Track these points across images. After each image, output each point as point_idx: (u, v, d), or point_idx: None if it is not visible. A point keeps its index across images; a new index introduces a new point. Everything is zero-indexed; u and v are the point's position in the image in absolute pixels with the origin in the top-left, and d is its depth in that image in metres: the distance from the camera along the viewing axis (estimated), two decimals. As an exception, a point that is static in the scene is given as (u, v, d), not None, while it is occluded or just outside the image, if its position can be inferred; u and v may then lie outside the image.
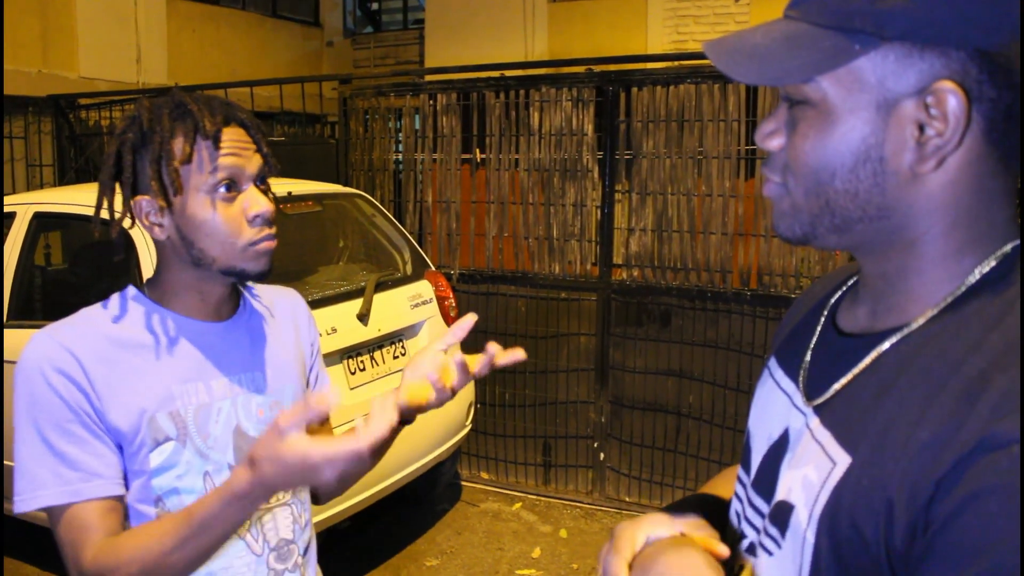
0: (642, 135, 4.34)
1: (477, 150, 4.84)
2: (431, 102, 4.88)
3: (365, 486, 3.42)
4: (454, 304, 4.16)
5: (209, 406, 1.25)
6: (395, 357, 3.75)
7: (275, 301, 1.45)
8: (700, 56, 4.66)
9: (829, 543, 0.69)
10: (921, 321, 0.72)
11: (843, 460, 0.70)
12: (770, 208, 0.80)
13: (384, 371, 3.65)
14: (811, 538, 0.71)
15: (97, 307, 1.27)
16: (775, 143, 0.77)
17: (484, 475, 4.82)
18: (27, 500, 1.14)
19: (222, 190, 1.21)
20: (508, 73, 4.76)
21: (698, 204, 4.25)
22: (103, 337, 1.21)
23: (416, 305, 3.90)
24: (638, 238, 4.41)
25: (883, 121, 0.69)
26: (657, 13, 9.27)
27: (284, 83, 5.53)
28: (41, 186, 6.81)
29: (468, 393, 4.19)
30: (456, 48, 9.72)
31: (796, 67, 0.71)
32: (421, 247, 4.48)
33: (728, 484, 1.00)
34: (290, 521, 1.33)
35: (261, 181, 1.27)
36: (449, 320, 4.09)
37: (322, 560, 1.45)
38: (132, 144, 1.22)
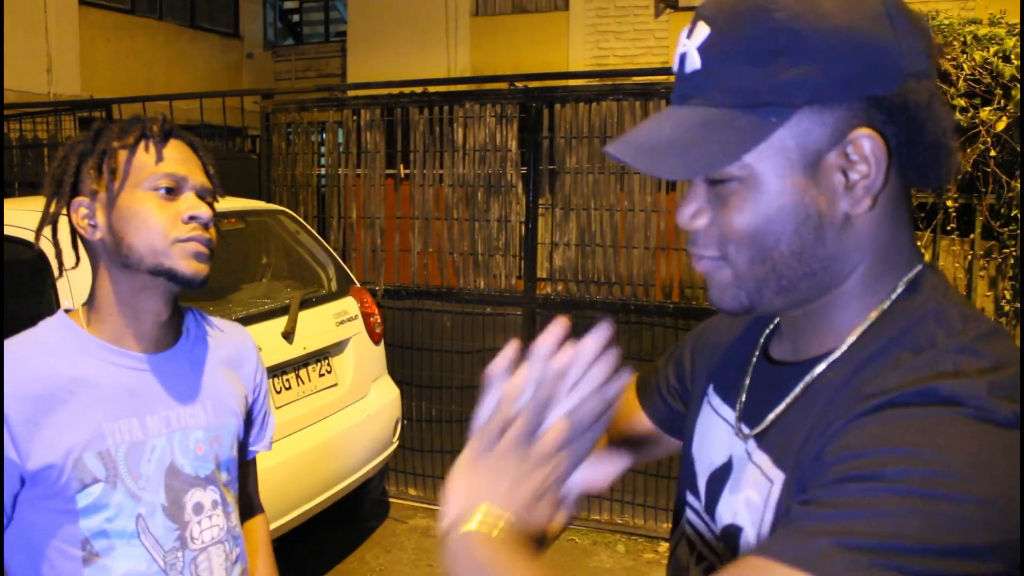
0: (565, 151, 4.39)
1: (401, 165, 4.83)
2: (355, 117, 4.86)
3: (293, 506, 3.38)
4: (379, 321, 4.14)
5: (142, 444, 1.20)
6: (321, 375, 3.71)
7: (222, 335, 1.41)
8: (623, 73, 4.76)
9: None
10: (844, 348, 0.76)
11: (778, 477, 0.76)
12: (706, 283, 0.81)
13: (310, 389, 3.62)
14: None
15: (23, 336, 1.20)
16: (701, 222, 0.78)
17: (412, 491, 4.79)
18: None
19: (162, 191, 1.20)
20: (432, 89, 4.77)
21: (620, 219, 4.32)
22: (27, 370, 1.14)
23: (342, 322, 3.87)
24: (562, 252, 4.46)
25: (812, 178, 0.72)
26: (578, 28, 9.42)
27: (205, 97, 5.43)
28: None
29: (395, 409, 4.17)
30: (378, 61, 9.70)
31: (719, 152, 0.72)
32: (346, 263, 4.44)
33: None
34: (223, 559, 1.29)
35: (203, 197, 1.25)
36: (375, 337, 4.07)
37: (250, 583, 1.44)
38: (80, 152, 1.23)
